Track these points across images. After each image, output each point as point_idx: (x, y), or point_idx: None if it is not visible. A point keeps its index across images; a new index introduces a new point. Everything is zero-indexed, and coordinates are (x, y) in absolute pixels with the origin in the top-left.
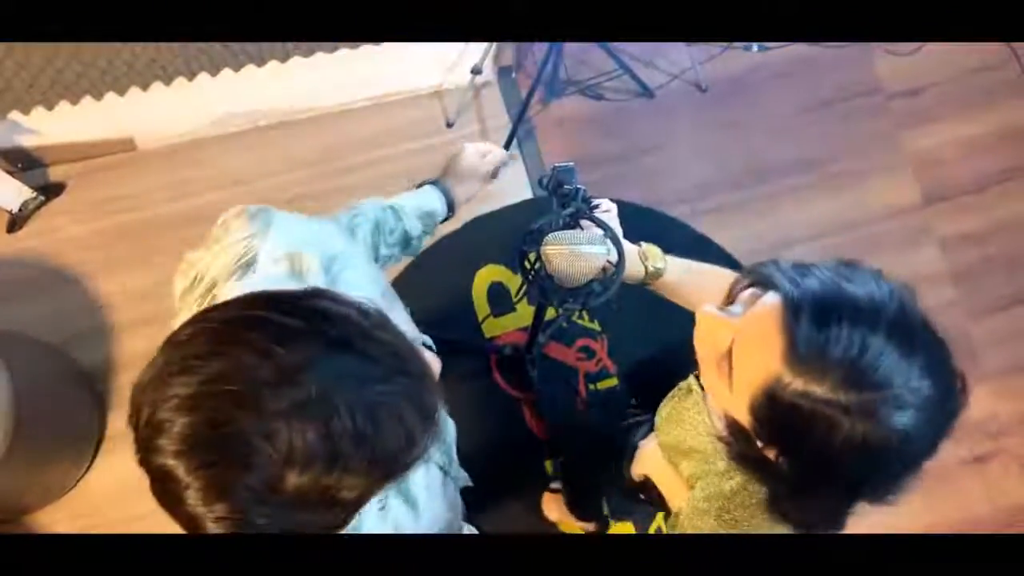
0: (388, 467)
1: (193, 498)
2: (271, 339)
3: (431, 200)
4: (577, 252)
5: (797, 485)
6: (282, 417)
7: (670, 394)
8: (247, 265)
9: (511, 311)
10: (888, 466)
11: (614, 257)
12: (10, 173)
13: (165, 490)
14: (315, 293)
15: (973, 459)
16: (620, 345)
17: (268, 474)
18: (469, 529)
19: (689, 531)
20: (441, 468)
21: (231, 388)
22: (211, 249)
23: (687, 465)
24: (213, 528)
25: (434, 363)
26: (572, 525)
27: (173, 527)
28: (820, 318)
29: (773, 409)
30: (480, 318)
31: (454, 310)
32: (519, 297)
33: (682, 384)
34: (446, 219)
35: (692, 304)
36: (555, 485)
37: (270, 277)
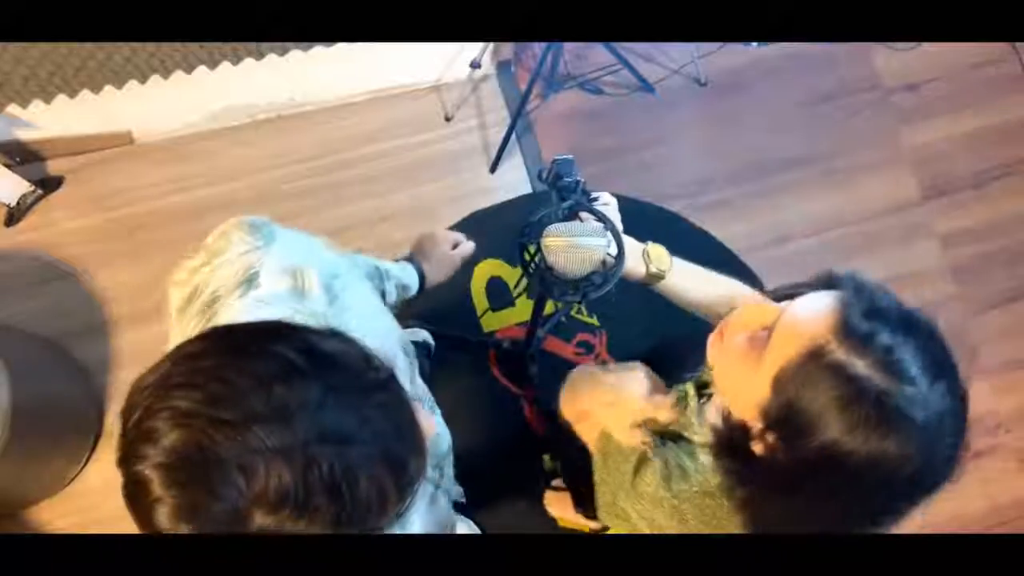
0: (354, 527)
1: (162, 514)
2: (275, 374)
3: (411, 275)
4: (577, 244)
5: (779, 483)
6: (263, 455)
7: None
8: (249, 281)
9: (510, 306)
10: (882, 481)
11: (614, 250)
12: (8, 167)
13: (137, 498)
14: (333, 334)
15: (972, 454)
16: (619, 340)
17: (236, 508)
18: (469, 527)
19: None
20: (434, 483)
21: (223, 415)
22: (211, 262)
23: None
24: None
25: (428, 426)
26: (571, 521)
27: None
28: (872, 310)
29: (801, 380)
30: (479, 313)
31: (453, 305)
32: (518, 292)
33: (676, 390)
34: (415, 297)
35: (694, 309)
36: (557, 483)
37: (273, 294)
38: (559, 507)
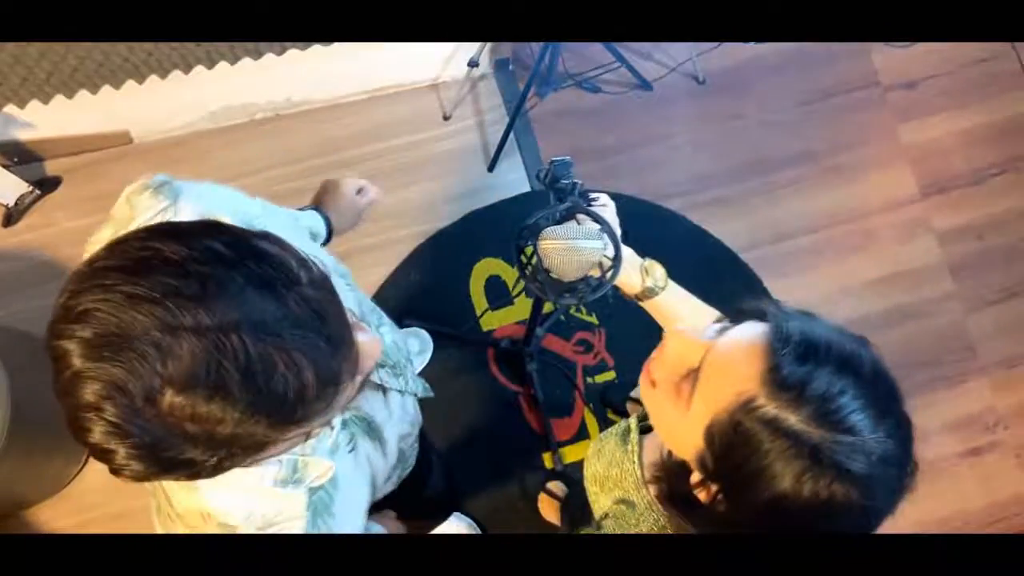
0: (272, 414)
1: (87, 389)
2: (197, 259)
3: (318, 222)
4: (573, 247)
5: (724, 527)
6: (177, 332)
7: (608, 431)
8: None
9: (509, 304)
10: (828, 524)
11: (611, 252)
12: (6, 167)
13: (60, 375)
14: (263, 235)
15: (970, 451)
16: (618, 338)
17: (149, 385)
18: (470, 527)
19: None
20: (399, 391)
21: (140, 292)
22: (119, 233)
23: (605, 500)
24: (97, 430)
25: (373, 345)
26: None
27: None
28: (807, 352)
29: (732, 435)
30: (478, 312)
31: (452, 304)
32: (516, 291)
33: (621, 424)
34: (324, 244)
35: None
36: (551, 485)
37: None
38: (551, 512)
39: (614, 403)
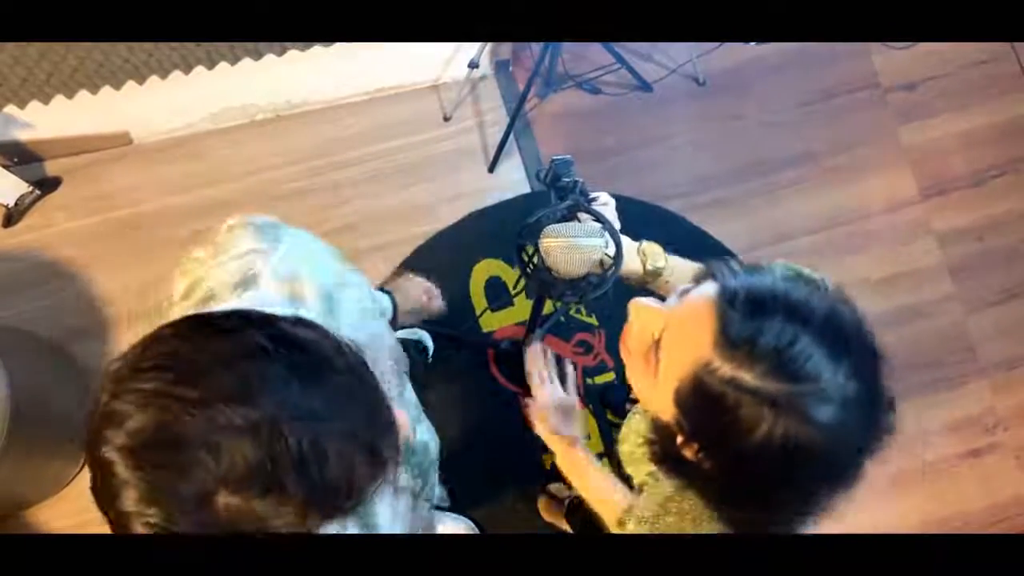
0: (324, 508)
1: (128, 497)
2: (240, 354)
3: (387, 304)
4: (575, 244)
5: (718, 484)
6: (228, 433)
7: (635, 408)
8: (247, 282)
9: (509, 305)
10: (808, 469)
11: (612, 250)
12: (6, 167)
13: (103, 482)
14: (301, 322)
15: (970, 453)
16: (618, 339)
17: (202, 488)
18: (468, 527)
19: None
20: (412, 493)
21: (188, 394)
22: (216, 257)
23: (637, 472)
24: (141, 531)
25: (402, 422)
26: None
27: None
28: (753, 307)
29: (698, 397)
30: (478, 312)
31: (452, 304)
32: (517, 291)
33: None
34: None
35: None
36: (553, 487)
37: (267, 299)
38: (552, 514)
39: (614, 404)
